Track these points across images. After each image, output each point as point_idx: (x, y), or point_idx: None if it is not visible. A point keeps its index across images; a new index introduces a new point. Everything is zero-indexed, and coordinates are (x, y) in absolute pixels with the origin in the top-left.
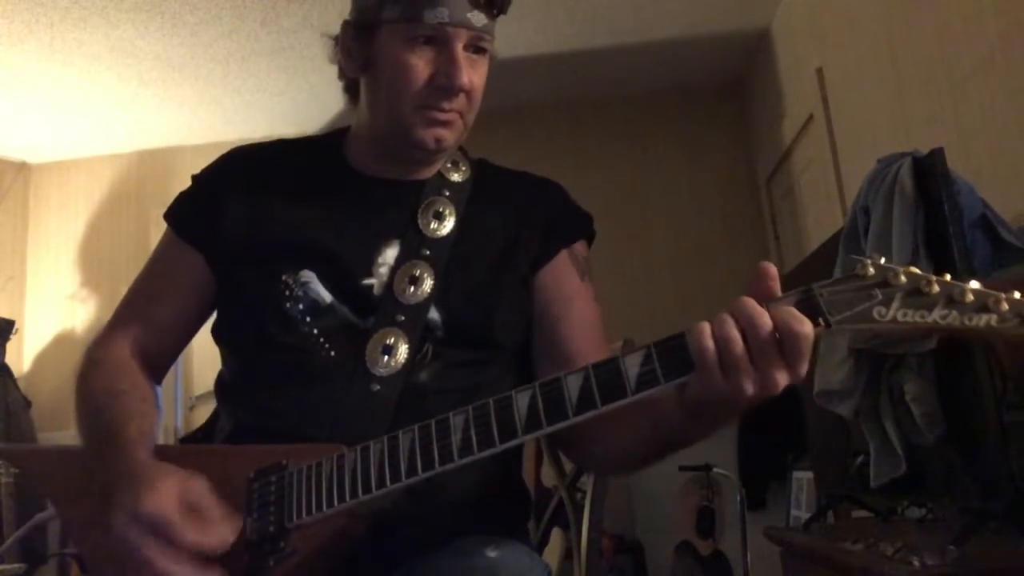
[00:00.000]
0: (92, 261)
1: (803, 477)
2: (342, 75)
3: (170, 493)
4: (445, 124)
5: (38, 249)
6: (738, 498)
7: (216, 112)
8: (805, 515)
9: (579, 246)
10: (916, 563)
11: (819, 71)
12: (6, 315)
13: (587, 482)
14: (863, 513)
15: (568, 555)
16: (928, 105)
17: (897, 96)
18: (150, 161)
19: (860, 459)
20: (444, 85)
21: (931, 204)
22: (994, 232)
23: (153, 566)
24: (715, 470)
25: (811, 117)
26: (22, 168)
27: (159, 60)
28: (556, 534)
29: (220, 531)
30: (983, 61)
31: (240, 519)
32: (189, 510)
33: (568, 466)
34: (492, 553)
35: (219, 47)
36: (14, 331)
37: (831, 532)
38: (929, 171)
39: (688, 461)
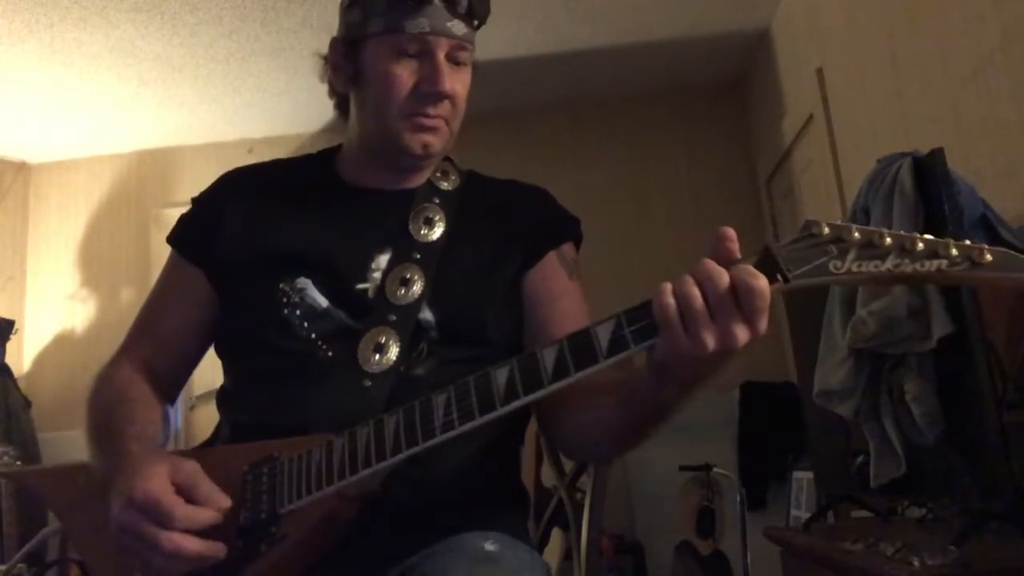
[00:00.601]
0: (92, 261)
1: (803, 477)
2: (332, 92)
3: (160, 475)
4: (431, 130)
5: (38, 249)
6: (738, 498)
7: (216, 112)
8: (805, 515)
9: (567, 247)
10: (916, 563)
11: (819, 71)
12: (6, 315)
13: (587, 482)
14: (863, 513)
15: (568, 555)
16: (928, 105)
17: (897, 96)
18: (150, 161)
19: (860, 459)
20: (428, 92)
21: (931, 204)
22: (994, 232)
23: (153, 545)
24: (715, 470)
25: (811, 117)
26: (22, 168)
27: (159, 60)
28: (556, 534)
29: (211, 504)
30: (983, 61)
31: (232, 482)
32: (180, 490)
33: (568, 466)
34: (491, 547)
35: (219, 47)
36: (14, 331)
37: (831, 532)
38: (929, 171)
39: (688, 461)
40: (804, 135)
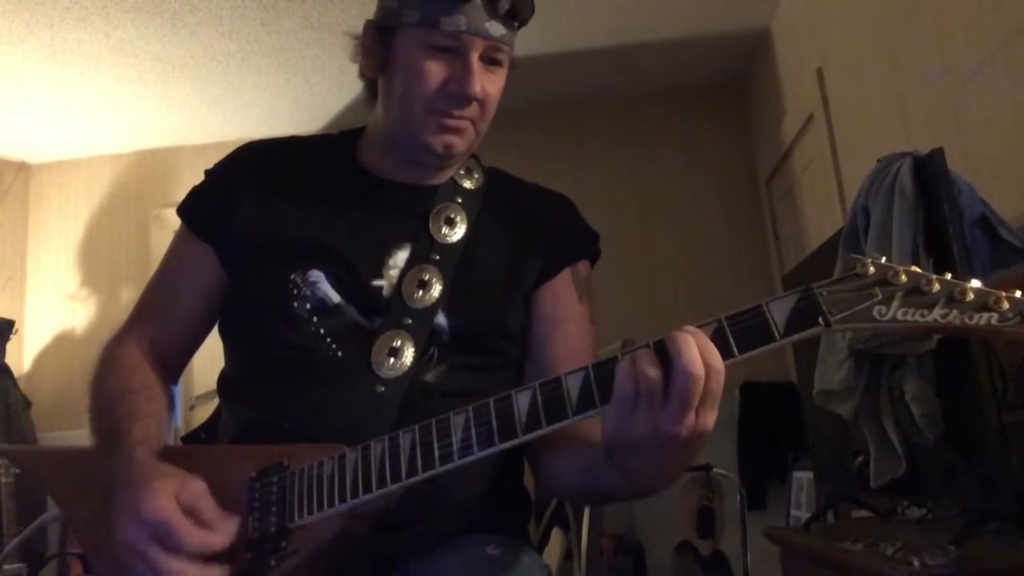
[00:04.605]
0: (92, 261)
1: (803, 477)
2: (362, 74)
3: (168, 495)
4: (455, 131)
5: (38, 249)
6: (738, 498)
7: (216, 112)
8: (805, 515)
9: (582, 265)
10: (916, 563)
11: (819, 71)
12: (6, 315)
13: None
14: (863, 513)
15: (568, 555)
16: (928, 105)
17: (897, 96)
18: (150, 161)
19: (860, 459)
20: (456, 93)
21: (931, 204)
22: (994, 232)
23: (159, 569)
24: (715, 470)
25: (811, 117)
26: (22, 168)
27: (159, 60)
28: (556, 534)
29: (220, 530)
30: (983, 61)
31: (237, 517)
32: (187, 511)
33: None
34: (493, 551)
35: (219, 47)
36: (14, 331)
37: (831, 532)
38: (929, 171)
39: None
40: (804, 135)
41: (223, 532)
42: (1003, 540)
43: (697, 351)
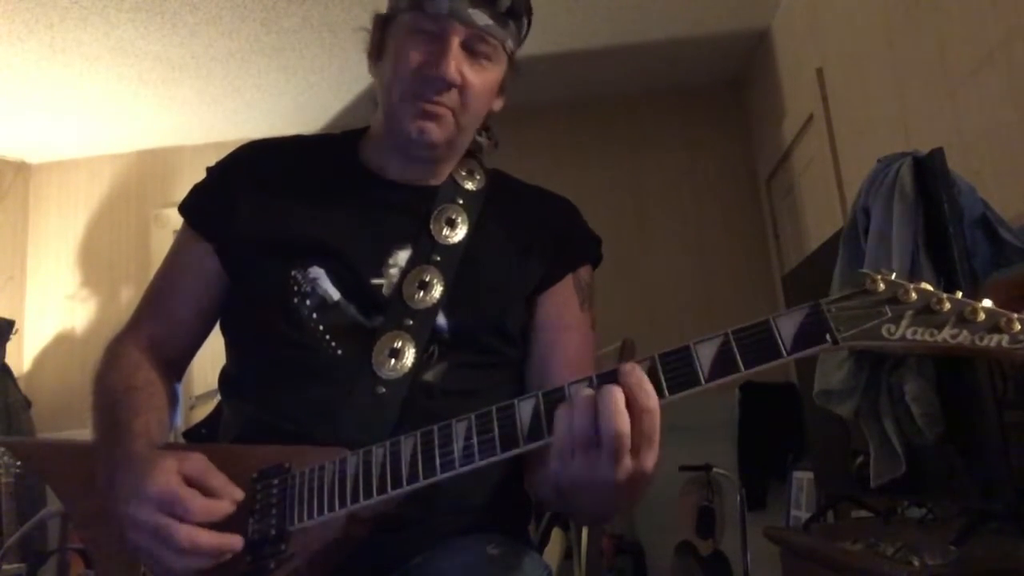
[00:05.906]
0: (92, 261)
1: (803, 477)
2: (370, 68)
3: (169, 470)
4: (432, 116)
5: (38, 249)
6: (738, 498)
7: (216, 112)
8: (805, 515)
9: (584, 271)
10: (916, 563)
11: (819, 71)
12: (6, 315)
13: None
14: (863, 513)
15: (568, 555)
16: (928, 105)
17: (897, 96)
18: (150, 161)
19: (860, 459)
20: (431, 75)
21: (931, 204)
22: (994, 232)
23: (174, 539)
24: (715, 470)
25: (811, 117)
26: (22, 168)
27: (159, 60)
28: (556, 534)
29: (226, 496)
30: (983, 61)
31: (239, 486)
32: (190, 480)
33: None
34: (493, 551)
35: (219, 47)
36: (14, 331)
37: (831, 532)
38: (929, 171)
39: (688, 461)
40: (804, 135)
41: (228, 499)
42: (1003, 540)
43: (622, 402)
